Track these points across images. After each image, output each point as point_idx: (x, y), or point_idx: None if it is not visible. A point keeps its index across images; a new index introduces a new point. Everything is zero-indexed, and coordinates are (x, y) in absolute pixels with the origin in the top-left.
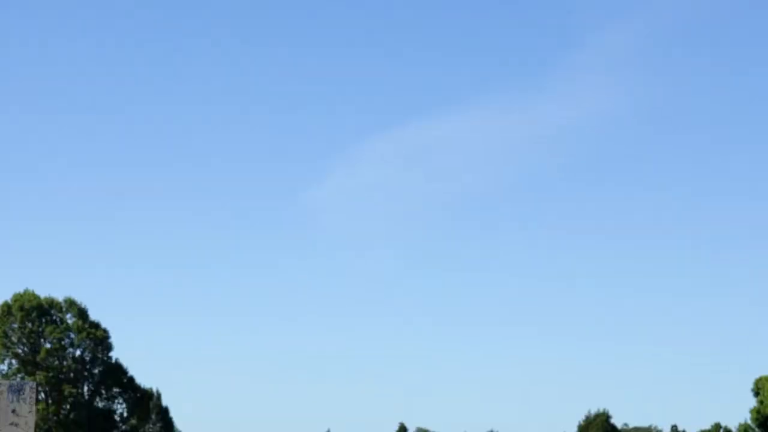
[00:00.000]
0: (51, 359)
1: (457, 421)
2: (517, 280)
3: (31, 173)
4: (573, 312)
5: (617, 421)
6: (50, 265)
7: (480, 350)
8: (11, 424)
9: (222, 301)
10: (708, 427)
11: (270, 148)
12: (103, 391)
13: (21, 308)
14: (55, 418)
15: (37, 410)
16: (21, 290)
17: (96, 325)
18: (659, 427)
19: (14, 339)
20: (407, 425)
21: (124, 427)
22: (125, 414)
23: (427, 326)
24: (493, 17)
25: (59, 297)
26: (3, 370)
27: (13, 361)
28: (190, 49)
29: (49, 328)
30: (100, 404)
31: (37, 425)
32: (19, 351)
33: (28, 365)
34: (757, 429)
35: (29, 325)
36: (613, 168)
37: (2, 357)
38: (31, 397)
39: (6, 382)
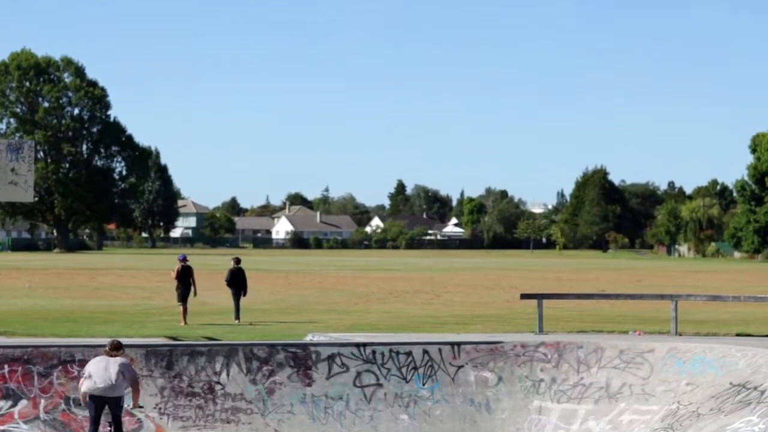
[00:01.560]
0: (49, 118)
1: (454, 178)
2: (515, 39)
3: None
4: (569, 69)
5: (615, 177)
6: (47, 24)
7: (477, 109)
8: (10, 182)
9: (220, 59)
10: (705, 183)
11: None
12: (102, 150)
13: (18, 67)
14: (54, 177)
15: (36, 169)
16: (18, 49)
17: (94, 84)
18: (656, 184)
19: (12, 98)
20: (405, 182)
21: (122, 185)
22: (124, 172)
23: (425, 86)
24: None
25: (56, 56)
26: (1, 129)
27: (12, 120)
28: None
29: (46, 87)
30: (99, 163)
31: (36, 184)
32: (18, 110)
33: (27, 124)
34: (753, 185)
35: (27, 84)
36: None
37: (0, 116)
38: (30, 156)
39: (5, 141)
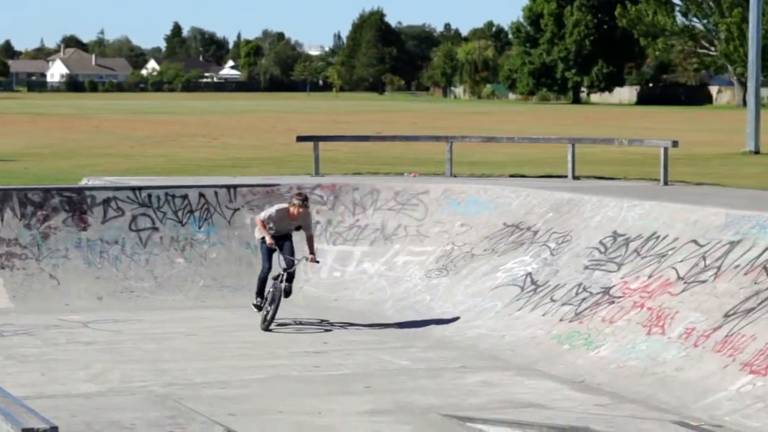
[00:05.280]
0: None
1: (231, 21)
2: None
3: None
4: None
5: (391, 19)
6: None
7: None
8: None
9: None
10: (481, 25)
11: None
12: None
13: None
14: None
15: None
16: None
17: None
18: (433, 26)
19: None
20: (182, 25)
21: None
22: None
23: None
24: None
25: None
26: None
27: None
28: None
29: None
30: None
31: None
32: None
33: None
34: (528, 27)
35: None
36: None
37: None
38: None
39: None
